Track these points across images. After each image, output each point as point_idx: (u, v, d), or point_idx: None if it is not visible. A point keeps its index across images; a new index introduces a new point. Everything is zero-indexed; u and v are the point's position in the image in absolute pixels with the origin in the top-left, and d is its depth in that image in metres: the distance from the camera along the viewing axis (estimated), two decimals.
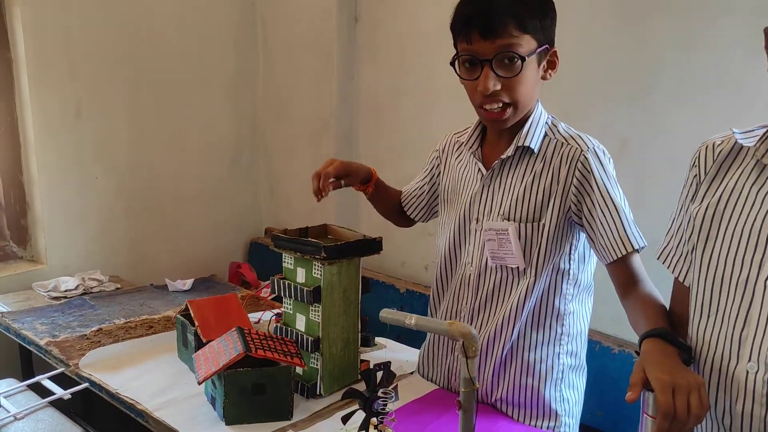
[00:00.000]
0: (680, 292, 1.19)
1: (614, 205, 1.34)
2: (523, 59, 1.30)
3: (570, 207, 1.37)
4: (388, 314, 1.22)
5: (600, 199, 1.35)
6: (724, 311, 1.03)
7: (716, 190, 1.07)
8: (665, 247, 1.20)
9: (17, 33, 2.24)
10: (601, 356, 2.04)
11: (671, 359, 1.02)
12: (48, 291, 2.22)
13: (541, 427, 1.47)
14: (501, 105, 1.34)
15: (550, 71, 1.39)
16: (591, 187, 1.35)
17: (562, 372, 1.48)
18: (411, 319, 1.18)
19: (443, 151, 1.62)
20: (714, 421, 1.06)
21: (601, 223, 1.35)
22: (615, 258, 1.35)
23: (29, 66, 2.26)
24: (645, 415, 0.96)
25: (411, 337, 2.10)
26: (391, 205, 1.76)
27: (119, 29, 2.48)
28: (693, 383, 0.95)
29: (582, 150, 1.35)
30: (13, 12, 2.23)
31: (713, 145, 1.10)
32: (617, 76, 2.02)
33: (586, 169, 1.34)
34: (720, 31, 1.82)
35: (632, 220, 1.37)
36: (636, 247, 1.34)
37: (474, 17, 1.30)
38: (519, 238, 1.40)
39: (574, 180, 1.35)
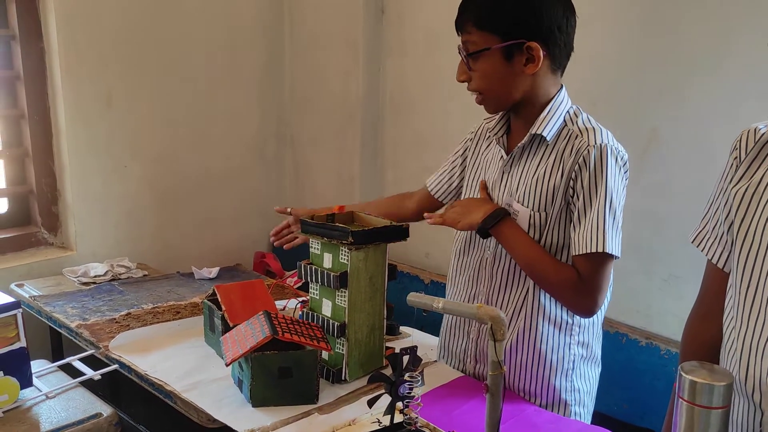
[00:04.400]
0: (712, 276, 1.19)
1: (600, 203, 1.34)
2: (470, 56, 1.39)
3: (569, 199, 1.39)
4: (415, 298, 1.22)
5: (587, 193, 1.35)
6: (758, 286, 1.03)
7: (756, 171, 1.07)
8: (700, 231, 1.20)
9: (50, 23, 2.28)
10: (628, 349, 2.02)
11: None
12: (78, 276, 2.26)
13: None
14: (476, 93, 1.45)
15: (530, 65, 1.37)
16: (583, 179, 1.35)
17: (573, 362, 1.49)
18: (439, 303, 1.18)
19: (476, 136, 1.65)
20: (744, 397, 1.05)
21: (582, 214, 1.36)
22: (583, 252, 1.35)
23: (61, 55, 2.30)
24: (680, 399, 0.94)
25: (435, 327, 2.10)
26: (388, 214, 1.73)
27: (149, 20, 2.51)
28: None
29: (589, 144, 1.36)
30: (47, 2, 2.27)
31: (755, 130, 1.10)
32: (648, 67, 1.99)
33: (585, 163, 1.35)
34: (755, 21, 1.79)
35: (617, 227, 1.36)
36: (608, 249, 1.33)
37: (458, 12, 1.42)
38: (529, 227, 1.42)
39: (573, 173, 1.37)
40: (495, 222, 1.43)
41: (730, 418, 1.08)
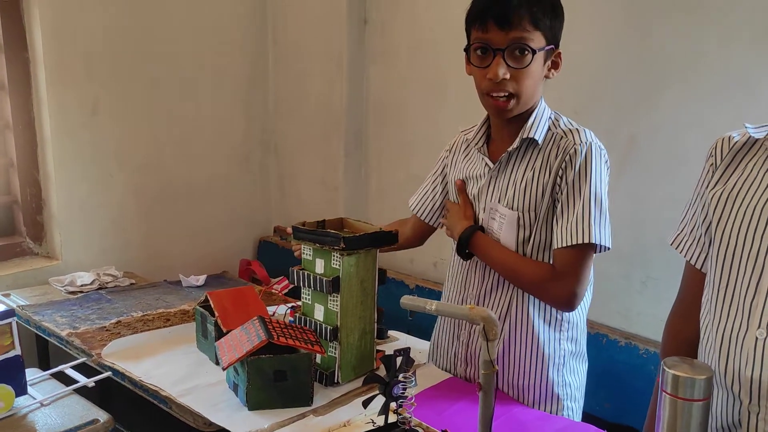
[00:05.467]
0: (690, 277, 1.26)
1: (585, 197, 1.39)
2: (534, 52, 1.38)
3: (555, 196, 1.44)
4: (408, 300, 1.26)
5: (572, 188, 1.41)
6: (736, 283, 1.09)
7: (731, 176, 1.14)
8: (679, 234, 1.27)
9: (35, 33, 2.29)
10: (608, 349, 2.08)
11: None
12: (64, 286, 2.26)
13: (544, 410, 1.53)
14: (506, 95, 1.41)
15: (553, 71, 1.47)
16: (569, 175, 1.41)
17: (564, 357, 1.54)
18: (431, 305, 1.22)
19: (452, 150, 1.69)
20: (723, 388, 1.11)
21: (566, 208, 1.41)
22: (566, 244, 1.40)
23: (47, 65, 2.30)
24: (663, 392, 1.00)
25: (421, 331, 2.15)
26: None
27: (135, 31, 2.53)
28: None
29: (575, 143, 1.42)
30: (32, 13, 2.28)
31: (729, 138, 1.18)
32: (626, 75, 2.07)
33: (572, 160, 1.41)
34: (725, 30, 1.88)
35: (604, 220, 1.41)
36: (594, 240, 1.38)
37: (492, 8, 1.37)
38: (519, 228, 1.47)
39: (560, 171, 1.42)
40: (467, 243, 1.52)
41: (711, 409, 1.14)
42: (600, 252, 1.43)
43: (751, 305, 1.07)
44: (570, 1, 1.45)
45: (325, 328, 1.54)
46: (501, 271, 1.51)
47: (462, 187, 1.60)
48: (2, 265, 2.38)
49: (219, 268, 2.76)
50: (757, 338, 1.06)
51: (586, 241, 1.38)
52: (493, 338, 1.14)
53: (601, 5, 2.09)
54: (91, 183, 2.50)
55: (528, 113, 1.47)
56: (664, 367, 1.01)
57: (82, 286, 2.26)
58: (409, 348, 1.34)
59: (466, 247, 1.53)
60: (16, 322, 1.49)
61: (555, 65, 1.46)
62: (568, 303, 1.45)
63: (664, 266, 2.02)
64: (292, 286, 2.65)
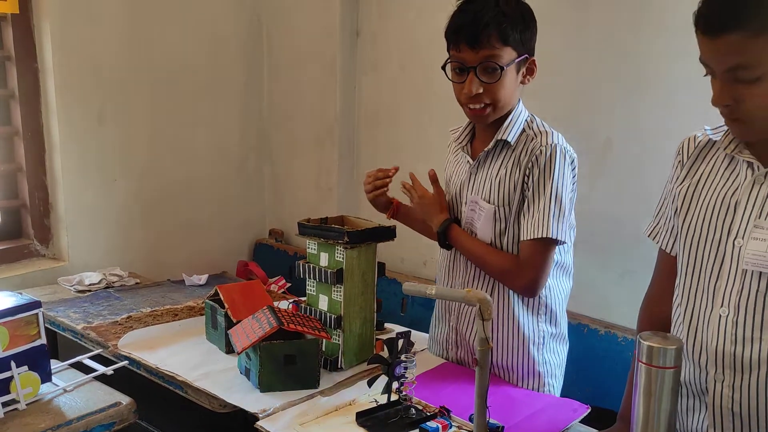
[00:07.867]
0: (664, 262, 1.40)
1: (547, 196, 1.53)
2: (502, 68, 1.51)
3: (524, 192, 1.58)
4: (410, 287, 1.39)
5: (536, 186, 1.55)
6: (701, 268, 1.24)
7: (695, 172, 1.29)
8: (654, 226, 1.42)
9: (45, 45, 2.40)
10: (589, 337, 2.23)
11: None
12: (73, 285, 2.36)
13: (527, 387, 1.68)
14: (482, 105, 1.56)
15: (528, 77, 1.60)
16: (534, 174, 1.55)
17: (543, 338, 1.69)
18: (431, 290, 1.35)
19: (448, 149, 1.83)
20: (691, 362, 1.26)
21: (531, 204, 1.55)
22: (529, 238, 1.55)
23: (56, 75, 2.41)
24: (639, 362, 1.13)
25: (412, 324, 2.28)
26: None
27: (138, 43, 2.65)
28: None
29: (542, 144, 1.56)
30: (42, 26, 2.39)
31: (694, 138, 1.33)
32: (603, 84, 2.23)
33: (537, 160, 1.55)
34: (690, 49, 2.04)
35: (562, 216, 1.54)
36: (552, 235, 1.53)
37: (463, 29, 1.52)
38: (496, 221, 1.61)
39: (527, 169, 1.56)
40: (445, 235, 1.68)
41: (682, 379, 1.28)
42: (559, 245, 1.58)
43: (714, 287, 1.22)
44: (552, 15, 1.59)
45: (329, 317, 1.67)
46: (472, 260, 1.66)
47: (435, 177, 1.74)
48: (11, 267, 2.47)
49: (217, 269, 2.87)
50: (720, 315, 1.20)
51: (545, 235, 1.53)
52: (488, 318, 1.27)
53: (580, 22, 2.25)
54: (96, 188, 2.60)
55: (505, 116, 1.61)
56: (640, 340, 1.14)
57: (90, 285, 2.36)
58: (410, 331, 1.47)
59: (445, 239, 1.69)
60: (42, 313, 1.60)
61: (530, 72, 1.60)
62: (530, 290, 1.61)
63: (640, 260, 2.16)
64: (288, 285, 2.78)
